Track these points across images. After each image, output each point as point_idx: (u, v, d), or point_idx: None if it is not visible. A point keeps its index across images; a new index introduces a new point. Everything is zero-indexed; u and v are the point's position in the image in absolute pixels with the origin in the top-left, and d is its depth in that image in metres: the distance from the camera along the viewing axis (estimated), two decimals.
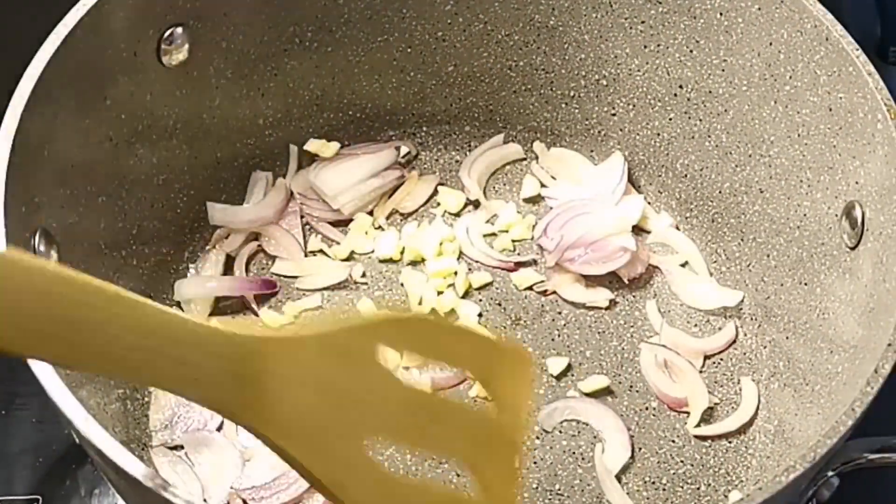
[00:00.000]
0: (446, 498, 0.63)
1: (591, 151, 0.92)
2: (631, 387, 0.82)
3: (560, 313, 0.85)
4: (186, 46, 0.80)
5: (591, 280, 0.86)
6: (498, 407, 0.62)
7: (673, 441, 0.80)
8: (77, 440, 0.62)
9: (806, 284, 0.79)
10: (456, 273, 0.86)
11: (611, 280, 0.86)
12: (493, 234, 0.89)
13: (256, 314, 0.84)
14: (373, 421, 0.59)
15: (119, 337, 0.49)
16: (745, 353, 0.84)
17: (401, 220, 0.89)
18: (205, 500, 0.75)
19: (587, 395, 0.81)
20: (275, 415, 0.54)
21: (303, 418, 0.55)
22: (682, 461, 0.79)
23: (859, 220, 0.72)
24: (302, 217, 0.89)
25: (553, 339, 0.84)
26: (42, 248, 0.68)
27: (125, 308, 0.50)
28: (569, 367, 0.82)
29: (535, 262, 0.87)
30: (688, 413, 0.81)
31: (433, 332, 0.61)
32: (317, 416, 0.56)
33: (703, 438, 0.80)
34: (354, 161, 0.89)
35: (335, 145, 0.90)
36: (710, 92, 0.84)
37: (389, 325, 0.59)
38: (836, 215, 0.75)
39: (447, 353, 0.61)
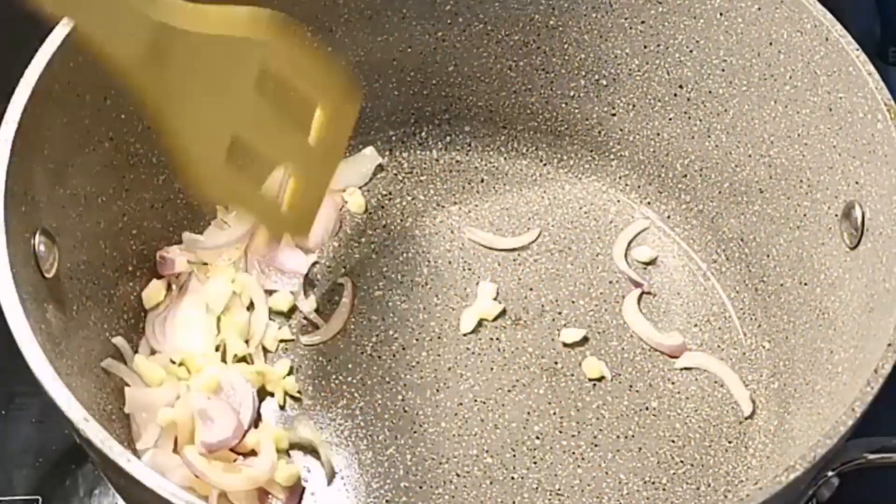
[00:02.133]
0: (266, 200, 0.77)
1: (591, 151, 0.92)
2: (631, 386, 0.82)
3: (560, 313, 0.85)
4: None
5: None
6: (320, 133, 0.75)
7: (673, 441, 0.80)
8: (77, 440, 0.62)
9: (806, 284, 0.79)
10: None
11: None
12: None
13: None
14: (234, 121, 0.70)
15: None
16: (745, 353, 0.84)
17: None
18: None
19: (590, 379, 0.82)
20: (166, 82, 0.65)
21: (188, 95, 0.66)
22: (681, 461, 0.79)
23: (859, 220, 0.73)
24: None
25: (553, 339, 0.84)
26: (42, 248, 0.68)
27: None
28: (585, 340, 0.84)
29: None
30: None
31: (296, 57, 0.71)
32: (199, 98, 0.67)
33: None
34: None
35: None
36: (710, 92, 0.84)
37: (269, 40, 0.69)
38: (836, 215, 0.75)
39: (303, 79, 0.72)
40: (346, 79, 0.76)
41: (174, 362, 0.79)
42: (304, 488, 0.76)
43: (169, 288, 0.83)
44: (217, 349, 0.81)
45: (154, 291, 0.82)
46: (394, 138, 0.93)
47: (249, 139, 0.71)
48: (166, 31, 0.64)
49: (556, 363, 0.83)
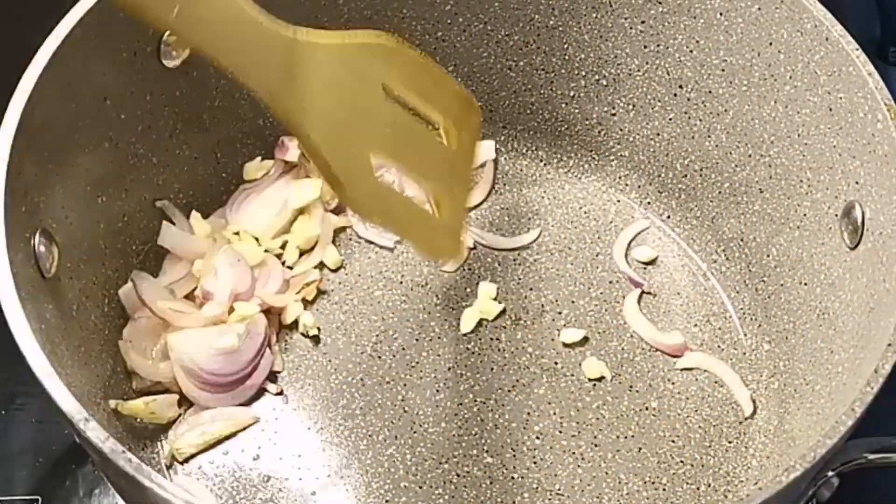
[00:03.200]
0: (419, 212, 0.78)
1: (591, 151, 0.92)
2: (631, 387, 0.82)
3: (560, 313, 0.85)
4: (186, 46, 0.80)
5: None
6: (454, 143, 0.77)
7: (673, 441, 0.80)
8: (77, 440, 0.62)
9: (806, 284, 0.79)
10: None
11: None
12: None
13: None
14: (374, 135, 0.72)
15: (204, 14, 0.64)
16: (745, 353, 0.84)
17: None
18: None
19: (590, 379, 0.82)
20: (305, 104, 0.68)
21: (326, 113, 0.69)
22: (681, 461, 0.79)
23: (859, 220, 0.73)
24: None
25: (553, 339, 0.84)
26: (42, 248, 0.68)
27: None
28: (585, 340, 0.84)
29: None
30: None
31: (417, 69, 0.74)
32: (336, 115, 0.69)
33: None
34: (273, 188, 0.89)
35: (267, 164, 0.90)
36: (710, 92, 0.84)
37: (390, 51, 0.72)
38: (836, 215, 0.75)
39: (424, 91, 0.74)
40: (463, 89, 0.79)
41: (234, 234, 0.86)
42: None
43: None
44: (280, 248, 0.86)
45: (258, 166, 0.88)
46: None
47: (389, 153, 0.73)
48: (295, 51, 0.67)
49: (556, 363, 0.83)
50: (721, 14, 0.81)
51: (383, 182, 0.75)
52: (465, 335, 0.84)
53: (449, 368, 0.82)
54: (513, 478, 0.78)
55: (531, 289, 0.86)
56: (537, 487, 0.77)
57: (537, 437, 0.79)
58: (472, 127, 0.79)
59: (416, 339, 0.83)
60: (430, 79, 0.75)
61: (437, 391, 0.81)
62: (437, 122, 0.77)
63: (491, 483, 0.77)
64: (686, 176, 0.88)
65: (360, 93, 0.70)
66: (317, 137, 0.69)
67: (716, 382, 0.82)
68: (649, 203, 0.91)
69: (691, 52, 0.84)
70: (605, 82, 0.89)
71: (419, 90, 0.74)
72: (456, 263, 0.86)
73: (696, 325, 0.85)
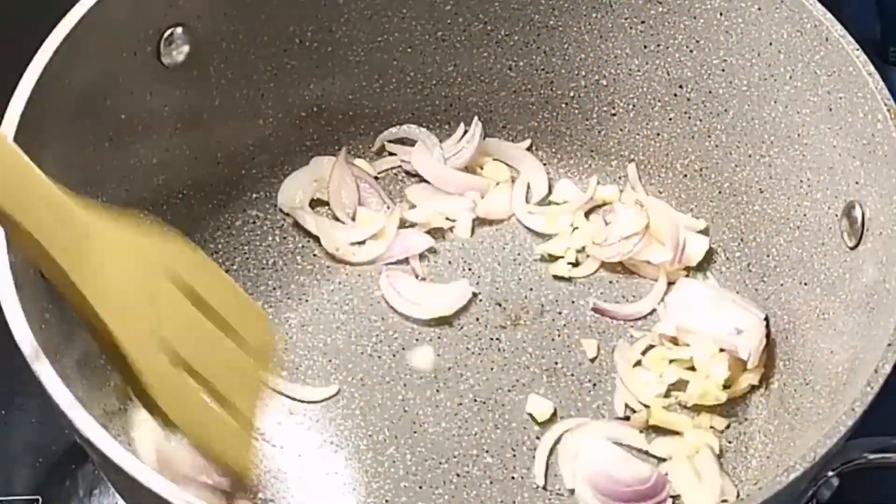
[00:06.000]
0: (214, 415, 0.70)
1: (592, 151, 0.92)
2: None
3: (560, 313, 0.85)
4: (186, 46, 0.80)
5: None
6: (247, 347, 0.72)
7: None
8: (77, 440, 0.62)
9: (806, 284, 0.79)
10: None
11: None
12: None
13: None
14: (166, 327, 0.67)
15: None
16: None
17: None
18: None
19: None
20: (95, 278, 0.63)
21: (117, 293, 0.64)
22: None
23: (859, 220, 0.73)
24: None
25: (553, 339, 0.84)
26: None
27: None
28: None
29: None
30: None
31: (207, 274, 0.72)
32: (128, 297, 0.65)
33: None
34: None
35: None
36: (710, 92, 0.84)
37: (182, 254, 0.71)
38: (836, 215, 0.75)
39: (213, 295, 0.70)
40: (255, 304, 0.77)
41: None
42: None
43: None
44: None
45: None
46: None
47: (182, 349, 0.67)
48: (89, 231, 0.64)
49: (556, 363, 0.83)
50: (721, 14, 0.81)
51: (186, 378, 0.68)
52: (465, 336, 0.84)
53: (449, 368, 0.82)
54: (513, 478, 0.78)
55: (531, 289, 0.86)
56: (537, 487, 0.77)
57: (537, 438, 0.79)
58: (264, 344, 0.74)
59: (416, 340, 0.83)
60: (221, 286, 0.72)
61: (437, 391, 0.81)
62: (228, 328, 0.71)
63: (491, 483, 0.77)
64: (686, 176, 0.88)
65: (151, 281, 0.66)
66: (107, 321, 0.63)
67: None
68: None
69: (691, 52, 0.84)
70: (605, 82, 0.89)
71: (212, 295, 0.70)
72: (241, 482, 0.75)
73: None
